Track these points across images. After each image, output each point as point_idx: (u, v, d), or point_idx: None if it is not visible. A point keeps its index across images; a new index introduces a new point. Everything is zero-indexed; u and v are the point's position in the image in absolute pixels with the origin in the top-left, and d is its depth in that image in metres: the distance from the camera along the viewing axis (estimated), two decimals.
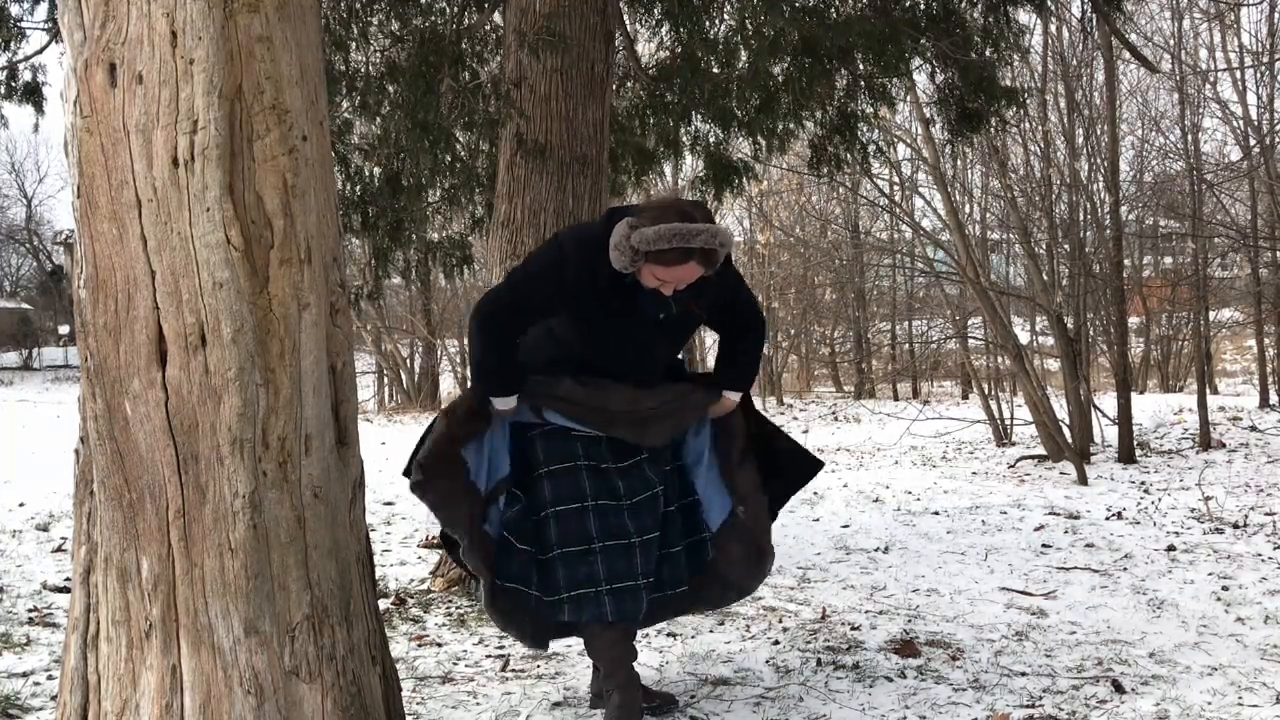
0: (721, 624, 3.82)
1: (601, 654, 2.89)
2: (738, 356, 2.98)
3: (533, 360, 2.82)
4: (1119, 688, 3.06)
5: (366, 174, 5.49)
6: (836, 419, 13.83)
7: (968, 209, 12.36)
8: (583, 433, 2.83)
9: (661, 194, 12.50)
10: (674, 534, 2.94)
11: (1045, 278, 9.55)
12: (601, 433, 2.83)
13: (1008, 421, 10.07)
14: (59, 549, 5.07)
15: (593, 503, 2.79)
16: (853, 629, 3.73)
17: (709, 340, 18.08)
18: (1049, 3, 5.45)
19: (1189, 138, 11.45)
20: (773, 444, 3.05)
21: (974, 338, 12.05)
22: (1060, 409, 8.78)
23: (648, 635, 3.53)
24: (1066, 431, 8.44)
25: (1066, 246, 9.65)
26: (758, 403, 3.47)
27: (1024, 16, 5.63)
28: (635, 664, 2.91)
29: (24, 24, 5.38)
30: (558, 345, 2.84)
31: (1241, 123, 12.50)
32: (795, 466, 3.08)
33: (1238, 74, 12.14)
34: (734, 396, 2.96)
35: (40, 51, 5.42)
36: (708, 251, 2.58)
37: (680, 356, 3.11)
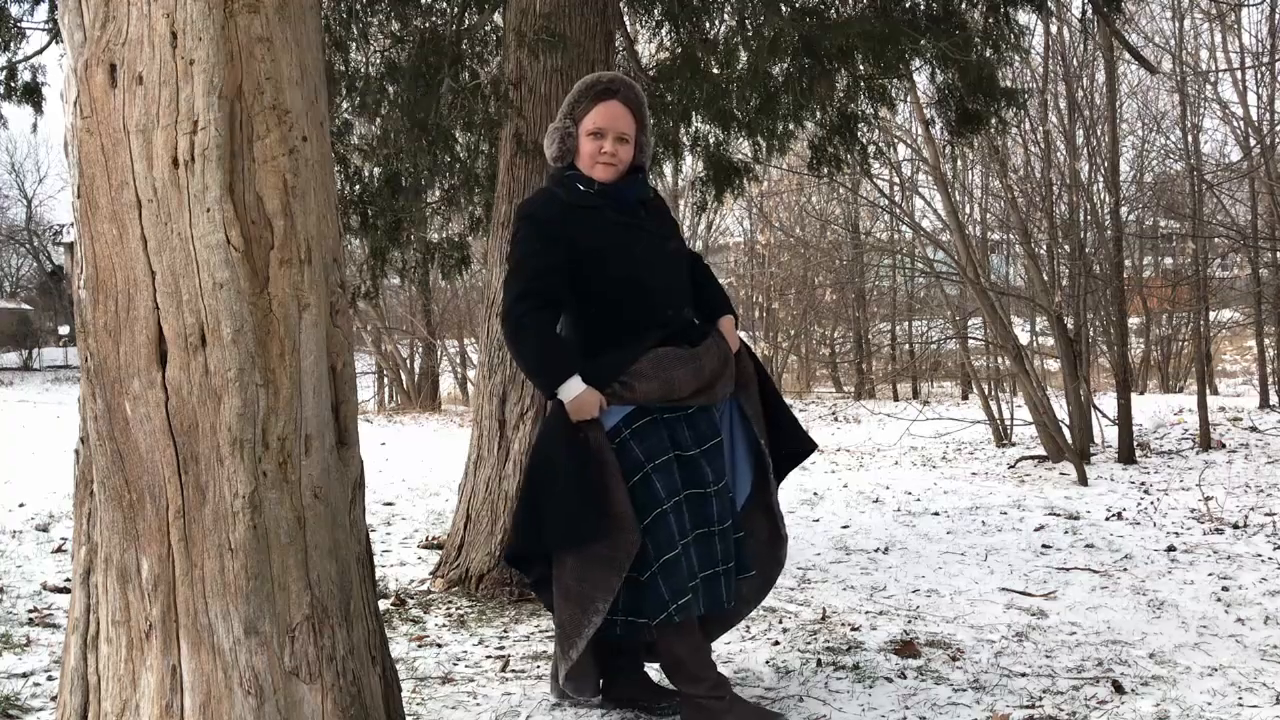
0: None
1: (687, 657, 2.78)
2: (705, 288, 3.07)
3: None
4: (1119, 688, 3.06)
5: (366, 174, 5.49)
6: (836, 419, 13.83)
7: (968, 209, 12.36)
8: (667, 416, 2.78)
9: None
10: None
11: (1045, 278, 9.55)
12: (684, 404, 2.79)
13: (1008, 422, 10.07)
14: (59, 549, 5.08)
15: (682, 495, 2.74)
16: (853, 629, 3.73)
17: None
18: (1049, 3, 5.45)
19: (1189, 138, 11.44)
20: (779, 415, 3.06)
21: (974, 338, 12.05)
22: (1060, 409, 8.78)
23: None
24: (1066, 432, 8.44)
25: (1066, 247, 9.65)
26: None
27: (1024, 17, 5.63)
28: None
29: (24, 24, 5.39)
30: (590, 328, 2.83)
31: (1241, 123, 12.52)
32: (794, 443, 3.07)
33: (1238, 74, 12.15)
34: (729, 320, 3.02)
35: (40, 51, 5.43)
36: (623, 93, 2.85)
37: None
